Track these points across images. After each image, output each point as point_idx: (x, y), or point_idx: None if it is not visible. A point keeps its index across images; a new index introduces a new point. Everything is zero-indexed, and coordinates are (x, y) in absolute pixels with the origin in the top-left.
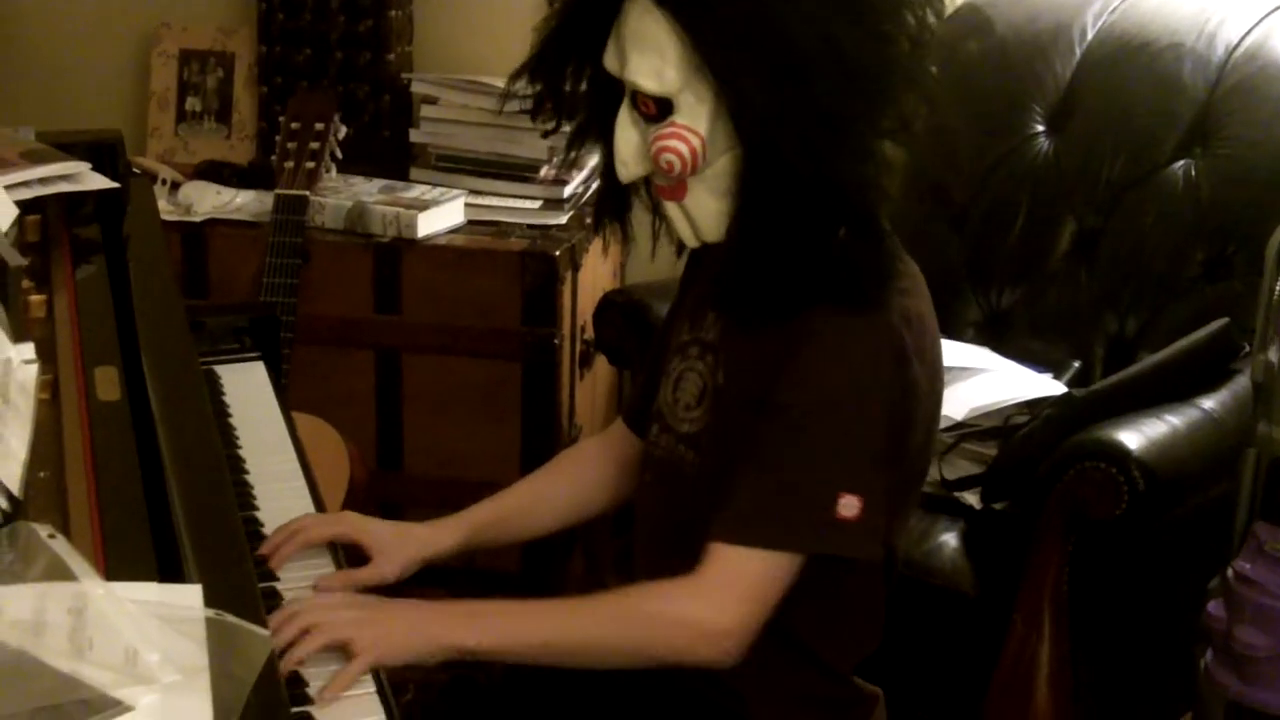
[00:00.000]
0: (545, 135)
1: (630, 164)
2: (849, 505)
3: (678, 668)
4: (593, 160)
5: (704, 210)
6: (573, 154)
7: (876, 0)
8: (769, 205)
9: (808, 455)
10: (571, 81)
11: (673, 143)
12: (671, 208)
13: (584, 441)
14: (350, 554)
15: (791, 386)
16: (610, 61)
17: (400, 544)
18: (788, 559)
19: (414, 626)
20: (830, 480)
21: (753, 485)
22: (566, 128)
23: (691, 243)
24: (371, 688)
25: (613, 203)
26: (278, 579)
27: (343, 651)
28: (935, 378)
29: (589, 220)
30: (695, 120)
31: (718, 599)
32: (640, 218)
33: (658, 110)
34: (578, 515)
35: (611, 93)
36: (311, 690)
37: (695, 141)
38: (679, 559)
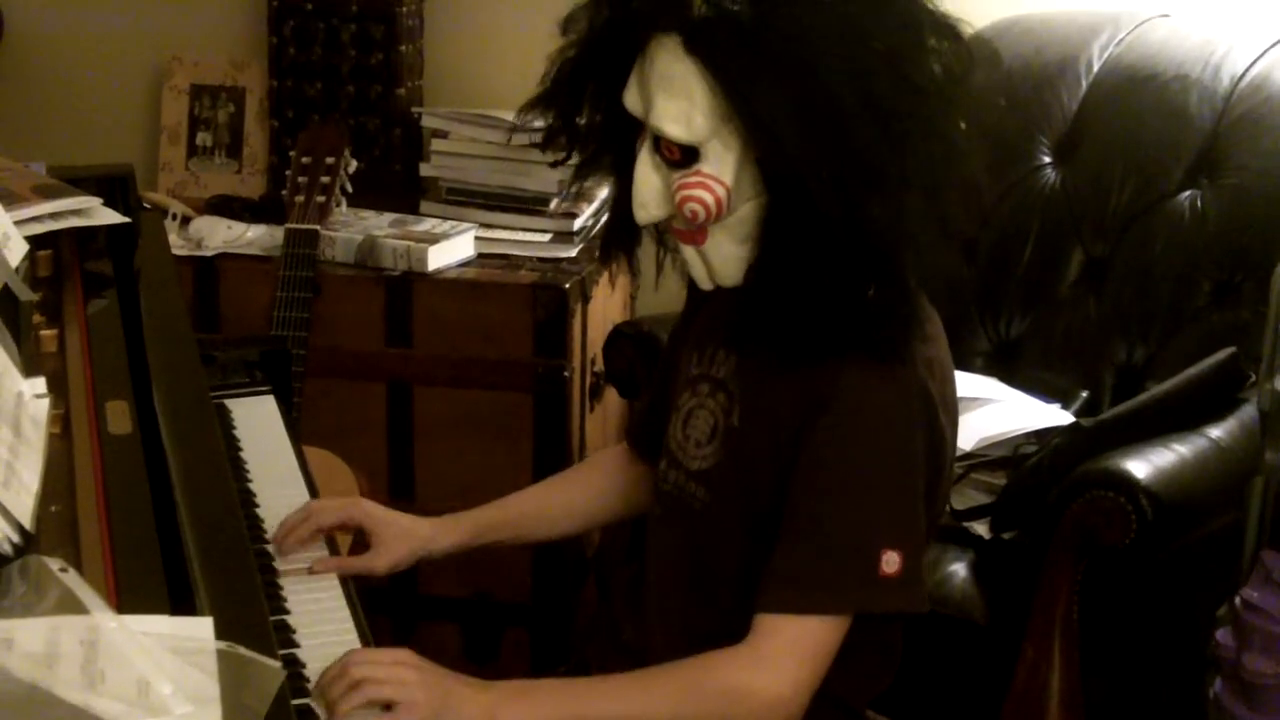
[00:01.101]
0: (555, 165)
1: (650, 207)
2: (890, 561)
3: None
4: (603, 193)
5: (723, 256)
6: (578, 186)
7: (906, 51)
8: (792, 253)
9: (846, 516)
10: (586, 113)
11: (698, 192)
12: (688, 251)
13: (597, 453)
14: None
15: (824, 446)
16: (632, 101)
17: (400, 540)
18: (837, 621)
19: (469, 700)
20: (871, 539)
21: (795, 549)
22: (575, 159)
23: (706, 285)
24: None
25: (621, 236)
26: (288, 612)
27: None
28: (954, 423)
29: (599, 253)
30: (722, 169)
31: (775, 667)
32: (646, 249)
33: (682, 156)
34: (582, 524)
35: (627, 128)
36: None
37: (721, 191)
38: (690, 593)
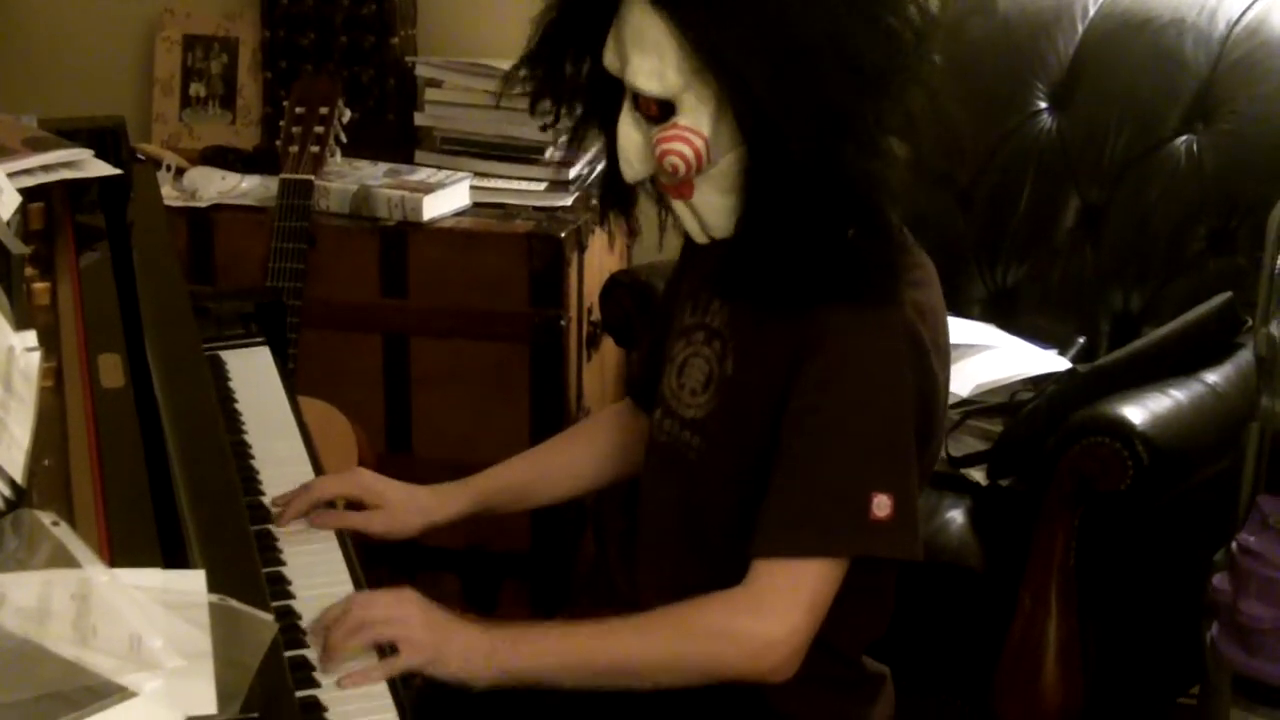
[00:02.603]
0: (544, 128)
1: (635, 164)
2: (881, 505)
3: (734, 684)
4: (599, 143)
5: (711, 207)
6: (577, 145)
7: None
8: (775, 201)
9: (836, 459)
10: (571, 73)
11: (675, 145)
12: (679, 205)
13: (598, 413)
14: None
15: (813, 390)
16: (610, 60)
17: (403, 510)
18: (834, 564)
19: (469, 644)
20: (862, 482)
21: (786, 494)
22: (564, 120)
23: (700, 239)
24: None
25: (617, 196)
26: (283, 564)
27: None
28: (946, 367)
29: (594, 201)
30: (698, 121)
31: (773, 611)
32: (646, 208)
33: (660, 111)
34: (587, 485)
35: (613, 86)
36: (320, 676)
37: (698, 142)
38: (682, 542)
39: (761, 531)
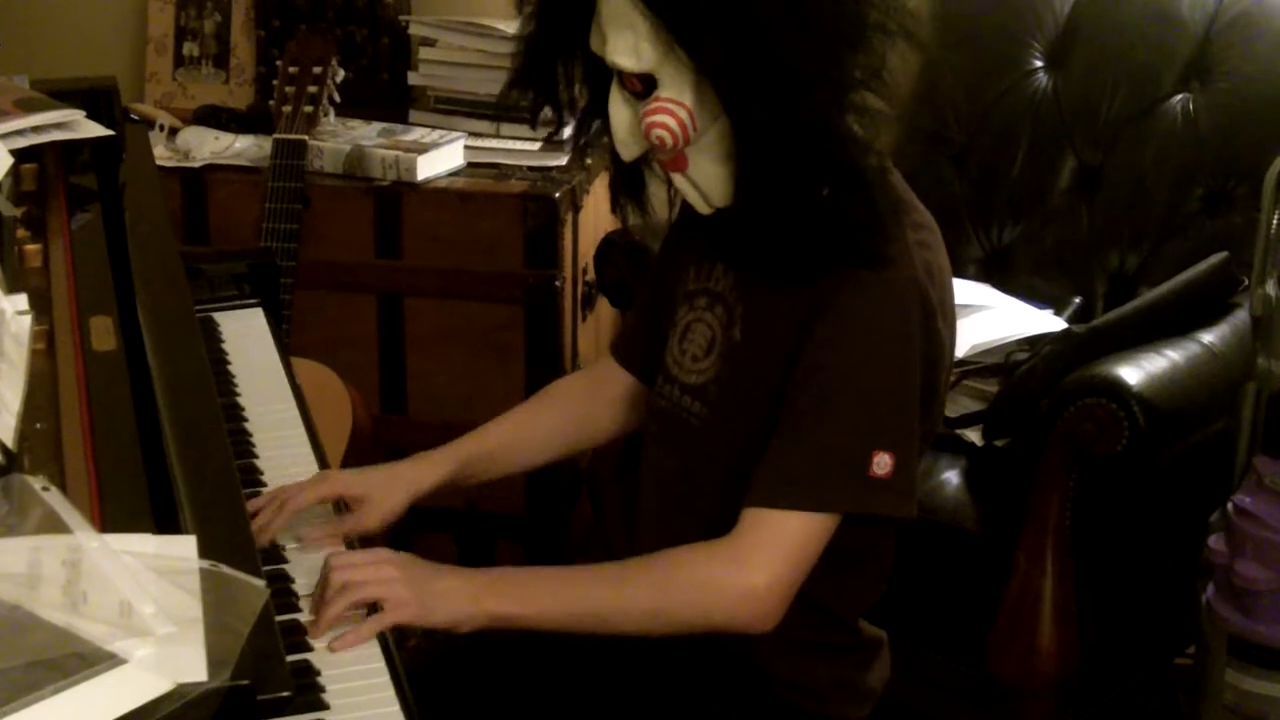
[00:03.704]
0: (548, 140)
1: (629, 143)
2: (882, 464)
3: (715, 633)
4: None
5: (708, 177)
6: (585, 139)
7: None
8: (764, 167)
9: (840, 416)
10: (564, 79)
11: (659, 118)
12: (678, 179)
13: (570, 376)
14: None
15: (821, 348)
16: (596, 44)
17: (386, 491)
18: (823, 520)
19: (449, 591)
20: (863, 440)
21: (786, 448)
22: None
23: (704, 210)
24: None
25: (626, 182)
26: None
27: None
28: (951, 329)
29: (589, 161)
30: (679, 92)
31: (754, 562)
32: (657, 191)
33: (644, 87)
34: (564, 449)
35: (605, 74)
36: (313, 640)
37: (682, 114)
38: (684, 510)
39: (758, 482)
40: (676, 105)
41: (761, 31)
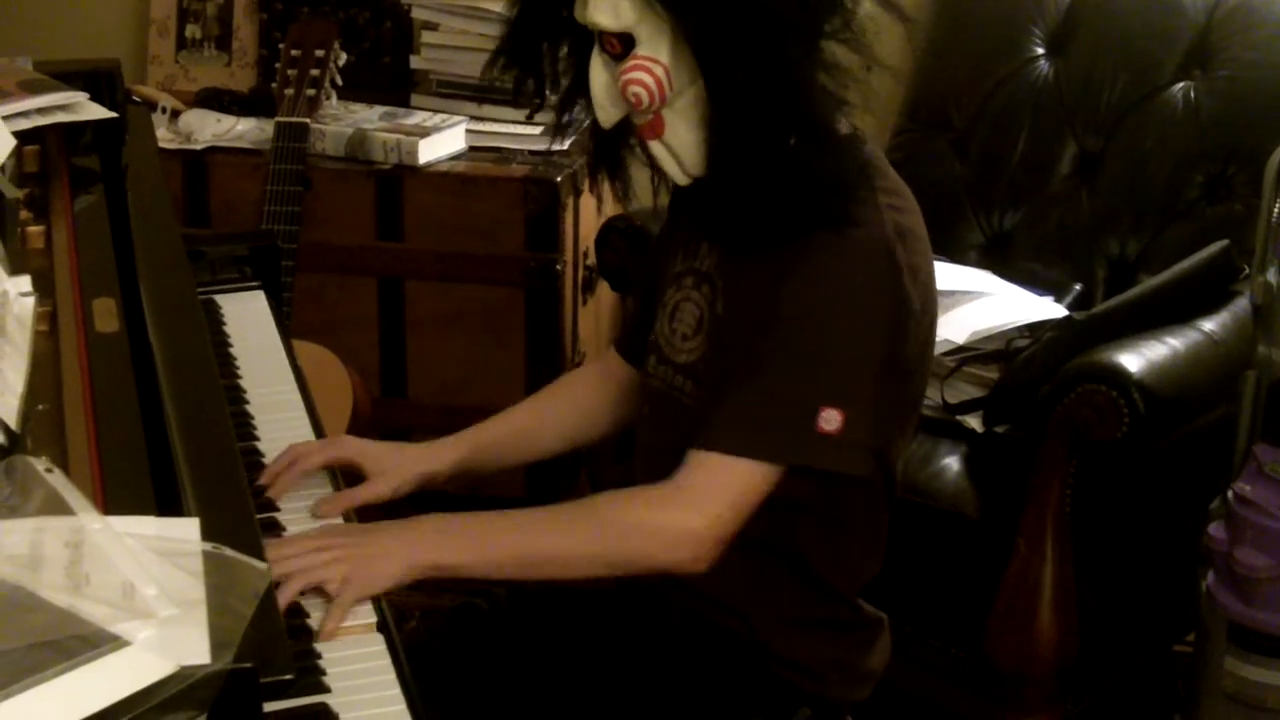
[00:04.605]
0: (529, 117)
1: (607, 106)
2: (830, 419)
3: (650, 575)
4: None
5: (683, 143)
6: (567, 117)
7: None
8: (737, 129)
9: (791, 368)
10: (549, 54)
11: (636, 74)
12: (655, 147)
13: (584, 367)
14: (349, 478)
15: (783, 301)
16: (578, 11)
17: (397, 463)
18: (765, 469)
19: (386, 552)
20: (812, 393)
21: (736, 395)
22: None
23: (681, 180)
24: (373, 618)
25: (606, 156)
26: (278, 509)
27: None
28: (928, 297)
29: (588, 177)
30: (656, 50)
31: (690, 503)
32: (642, 175)
33: (622, 47)
34: (576, 439)
35: (589, 48)
36: (313, 621)
37: (659, 70)
38: None
39: (706, 424)
40: (653, 63)
41: None
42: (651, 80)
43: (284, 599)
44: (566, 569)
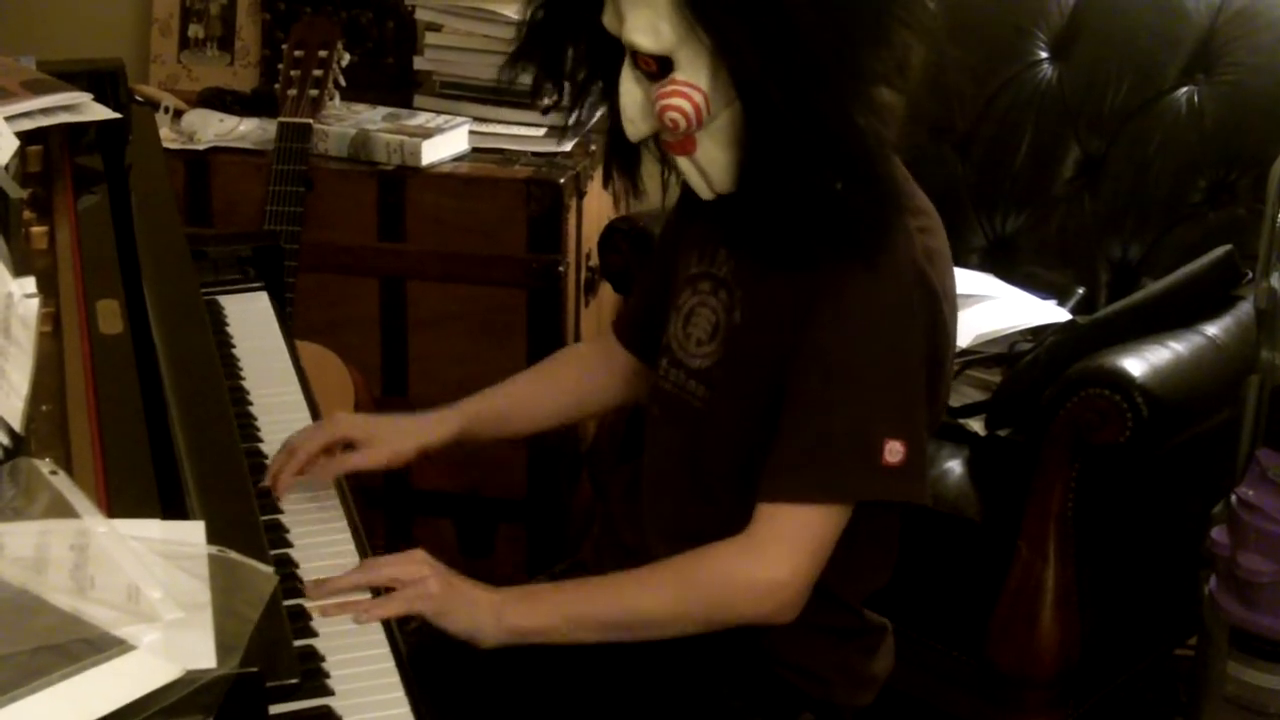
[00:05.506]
0: (545, 112)
1: (637, 122)
2: (894, 451)
3: (740, 628)
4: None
5: (714, 162)
6: (577, 117)
7: None
8: (772, 156)
9: (848, 404)
10: (572, 52)
11: (675, 100)
12: (683, 162)
13: (579, 344)
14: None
15: (823, 334)
16: (609, 20)
17: (394, 435)
18: (837, 510)
19: (477, 600)
20: (874, 428)
21: (796, 439)
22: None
23: (706, 195)
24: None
25: (621, 157)
26: (281, 511)
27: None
28: (954, 315)
29: (594, 147)
30: (696, 75)
31: (774, 555)
32: (651, 169)
33: (659, 68)
34: (572, 415)
35: (613, 51)
36: (314, 623)
37: (698, 97)
38: (688, 491)
39: (769, 475)
40: (692, 89)
41: (785, 17)
42: (690, 106)
43: (357, 578)
44: (653, 629)
